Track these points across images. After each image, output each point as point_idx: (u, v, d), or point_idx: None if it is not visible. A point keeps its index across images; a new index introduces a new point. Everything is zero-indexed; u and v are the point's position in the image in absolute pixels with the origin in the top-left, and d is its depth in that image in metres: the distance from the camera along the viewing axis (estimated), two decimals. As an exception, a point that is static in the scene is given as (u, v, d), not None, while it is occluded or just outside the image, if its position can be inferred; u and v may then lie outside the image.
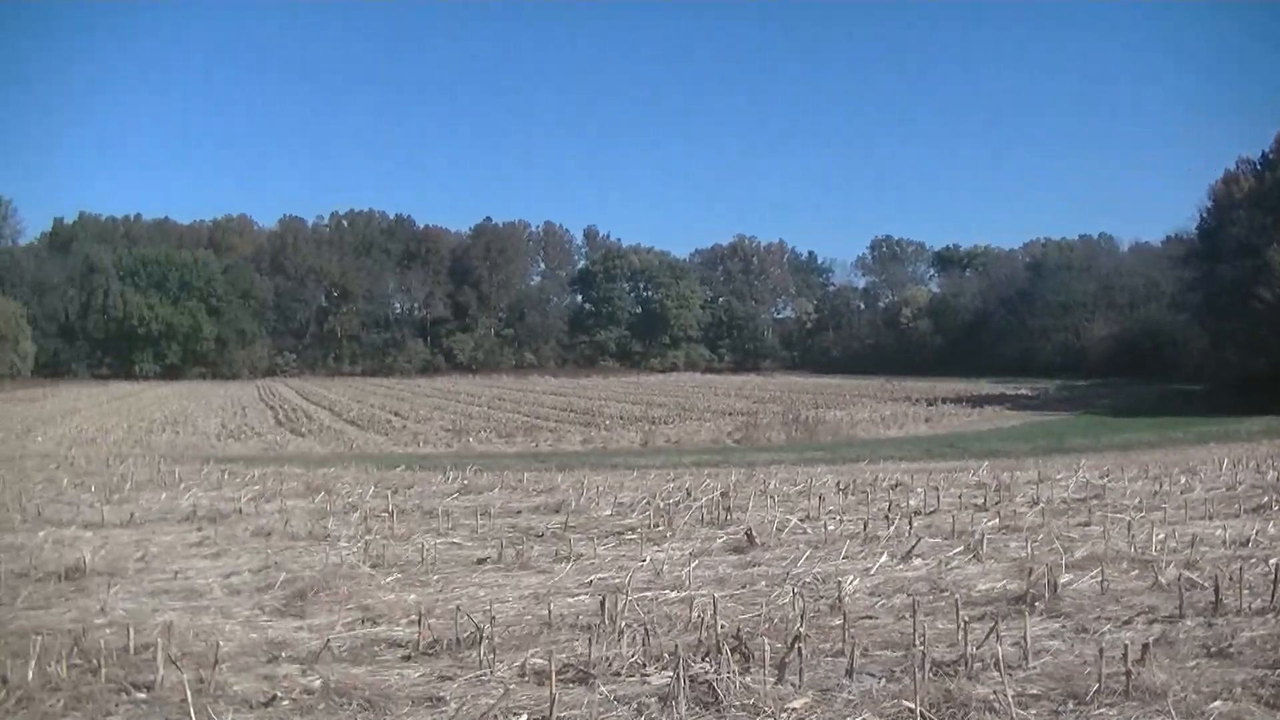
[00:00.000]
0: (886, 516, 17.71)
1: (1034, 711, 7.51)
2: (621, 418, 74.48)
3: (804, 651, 8.44)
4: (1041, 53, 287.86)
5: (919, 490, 22.05)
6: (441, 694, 8.21)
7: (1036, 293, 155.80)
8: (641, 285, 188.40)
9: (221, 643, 9.14)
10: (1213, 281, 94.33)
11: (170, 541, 16.22)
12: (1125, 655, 7.86)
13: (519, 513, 19.64)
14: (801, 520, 17.18)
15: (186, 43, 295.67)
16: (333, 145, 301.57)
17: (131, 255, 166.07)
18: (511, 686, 8.25)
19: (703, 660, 8.62)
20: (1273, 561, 12.44)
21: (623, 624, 9.63)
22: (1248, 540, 14.94)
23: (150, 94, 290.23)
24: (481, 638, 9.17)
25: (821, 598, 11.37)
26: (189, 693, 7.54)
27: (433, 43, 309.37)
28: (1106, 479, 24.63)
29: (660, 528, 16.91)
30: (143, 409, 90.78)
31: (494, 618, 9.84)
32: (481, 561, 14.27)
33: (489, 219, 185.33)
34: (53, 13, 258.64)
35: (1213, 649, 9.12)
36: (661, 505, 19.40)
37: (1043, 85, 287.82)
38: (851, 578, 12.26)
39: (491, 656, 8.93)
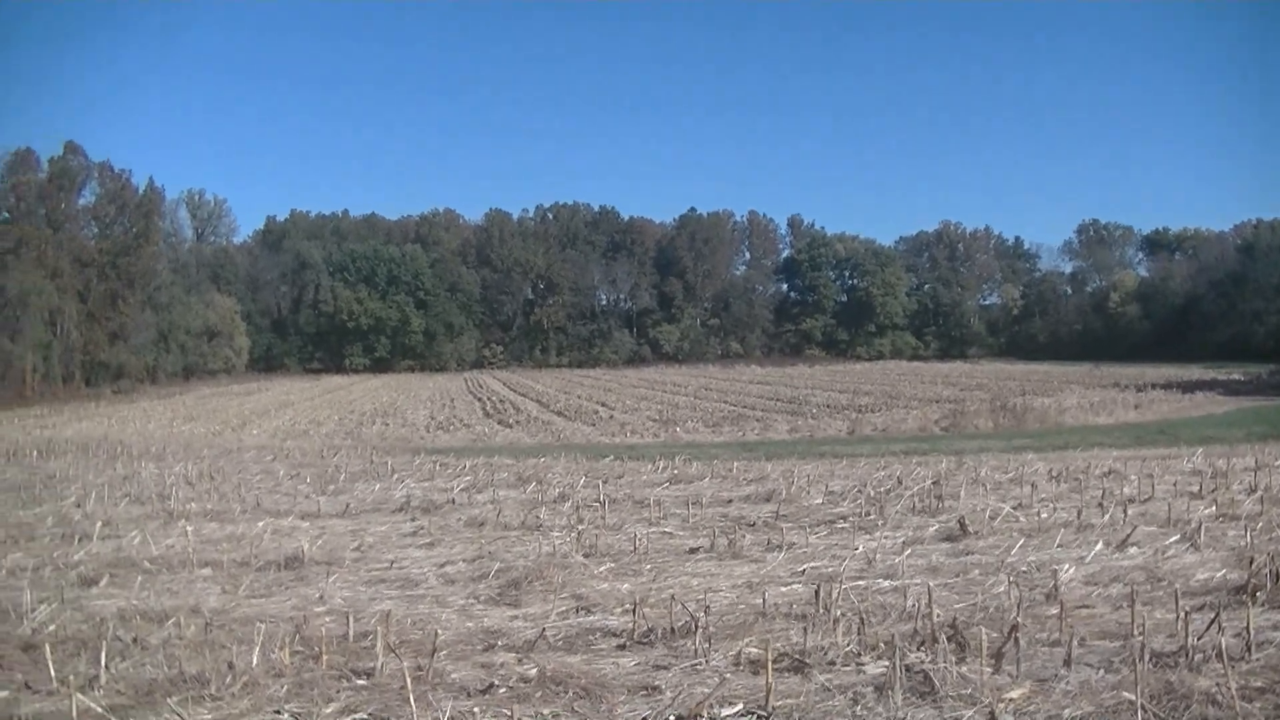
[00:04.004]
0: (1100, 504, 17.44)
1: (1258, 705, 7.36)
2: (828, 406, 73.99)
3: (1020, 641, 8.38)
4: (1245, 25, 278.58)
5: (1132, 478, 21.67)
6: (657, 683, 8.27)
7: (1248, 275, 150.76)
8: (847, 273, 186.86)
9: (438, 631, 9.33)
10: None
11: (385, 531, 16.58)
12: (1354, 647, 7.70)
13: (729, 502, 19.69)
14: (1014, 508, 16.99)
15: (390, 44, 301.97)
16: (537, 139, 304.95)
17: (341, 251, 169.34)
18: (727, 675, 8.27)
19: (918, 650, 8.62)
20: None
21: (837, 613, 9.63)
22: None
23: (357, 94, 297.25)
24: (696, 627, 9.23)
25: (1036, 587, 11.27)
26: (408, 680, 7.67)
27: (633, 36, 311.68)
28: (1328, 465, 23.96)
29: (871, 516, 16.88)
30: (353, 402, 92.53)
31: (708, 607, 9.92)
32: (694, 551, 14.34)
33: (693, 209, 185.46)
34: (259, 19, 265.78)
35: None
36: (872, 493, 19.37)
37: (1247, 61, 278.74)
38: (1067, 566, 12.11)
39: (706, 645, 8.98)
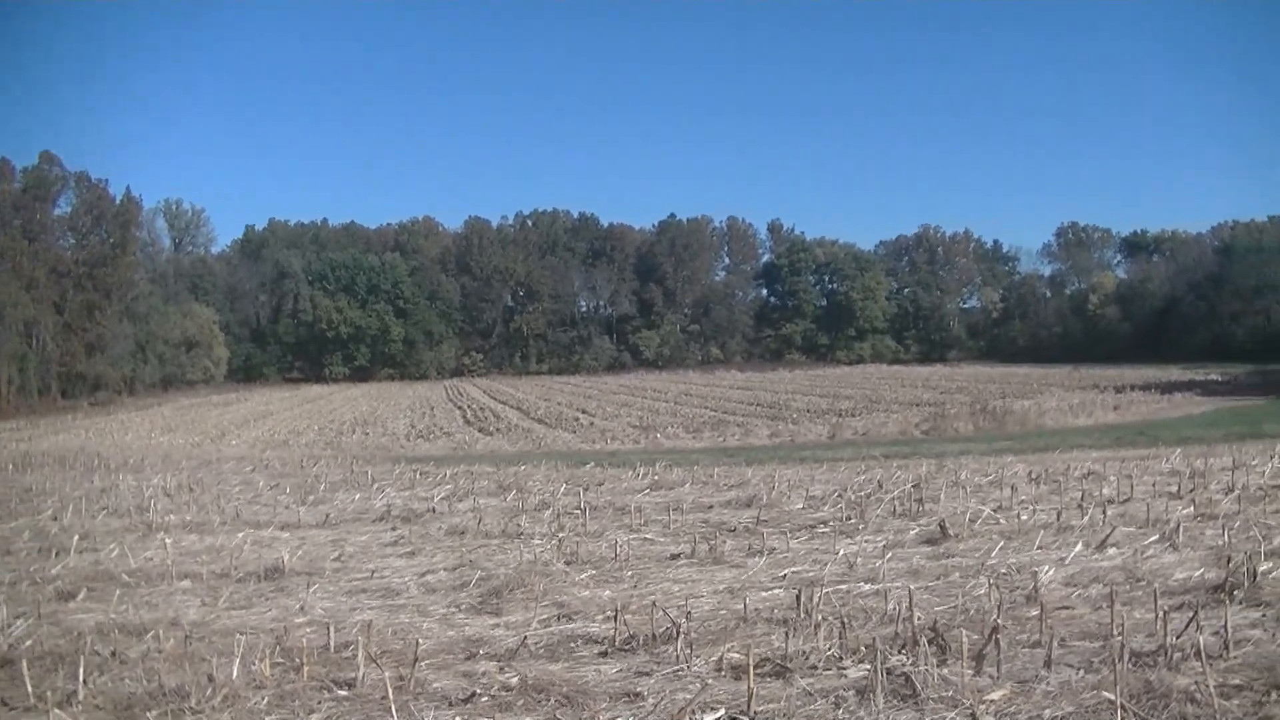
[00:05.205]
0: (1080, 506, 17.45)
1: (1236, 702, 7.36)
2: (809, 411, 74.15)
3: (1001, 643, 8.39)
4: (1224, 28, 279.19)
5: (1111, 479, 21.68)
6: (639, 689, 8.23)
7: (1226, 277, 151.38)
8: (827, 278, 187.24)
9: (420, 641, 9.30)
10: None
11: (366, 541, 16.52)
12: (1331, 645, 7.71)
13: (710, 508, 19.65)
14: (994, 511, 16.98)
15: (368, 52, 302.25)
16: (517, 146, 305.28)
17: (320, 260, 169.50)
18: (709, 681, 8.25)
19: (899, 653, 8.61)
20: None
21: (818, 617, 9.62)
22: None
23: (336, 103, 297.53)
24: (678, 633, 9.20)
25: (1017, 588, 11.26)
26: (390, 690, 7.67)
27: (611, 42, 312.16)
28: (1305, 464, 23.99)
29: (852, 520, 16.85)
30: (333, 411, 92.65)
31: (689, 613, 9.90)
32: (675, 557, 14.31)
33: (673, 215, 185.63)
34: (236, 26, 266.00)
35: None
36: (853, 498, 19.33)
37: (1225, 63, 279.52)
38: (1047, 568, 12.12)
39: (688, 651, 8.94)
